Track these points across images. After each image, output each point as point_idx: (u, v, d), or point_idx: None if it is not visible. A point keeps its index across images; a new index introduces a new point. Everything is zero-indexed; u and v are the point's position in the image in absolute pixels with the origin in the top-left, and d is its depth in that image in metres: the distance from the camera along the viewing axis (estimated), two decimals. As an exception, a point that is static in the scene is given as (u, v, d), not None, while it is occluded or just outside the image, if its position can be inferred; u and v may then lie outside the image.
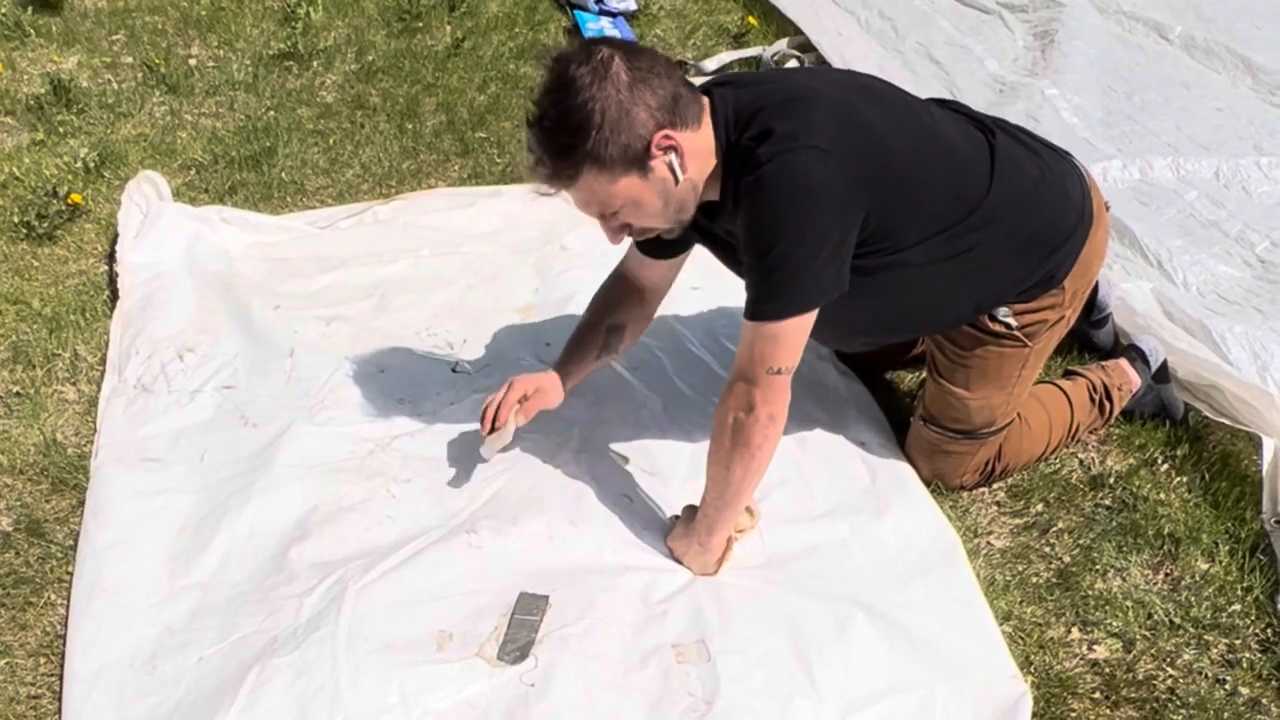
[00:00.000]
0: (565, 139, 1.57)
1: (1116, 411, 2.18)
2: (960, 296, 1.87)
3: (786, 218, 1.60)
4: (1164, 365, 2.23)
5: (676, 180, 1.63)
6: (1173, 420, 2.23)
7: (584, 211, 1.71)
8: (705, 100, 1.68)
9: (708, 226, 1.80)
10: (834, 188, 1.61)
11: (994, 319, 1.89)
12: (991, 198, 1.77)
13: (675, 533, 1.87)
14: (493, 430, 1.92)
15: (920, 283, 1.80)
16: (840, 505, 2.01)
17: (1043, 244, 1.84)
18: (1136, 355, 2.21)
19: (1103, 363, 2.23)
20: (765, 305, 1.65)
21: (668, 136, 1.59)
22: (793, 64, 3.48)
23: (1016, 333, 1.89)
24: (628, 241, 1.89)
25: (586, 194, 1.65)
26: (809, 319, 1.66)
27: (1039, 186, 1.84)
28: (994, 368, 1.93)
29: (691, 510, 1.85)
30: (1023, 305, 1.88)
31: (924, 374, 2.10)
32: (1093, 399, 2.13)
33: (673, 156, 1.61)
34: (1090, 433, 2.19)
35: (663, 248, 1.92)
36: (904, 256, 1.75)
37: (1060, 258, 1.86)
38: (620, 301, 2.04)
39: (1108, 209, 1.99)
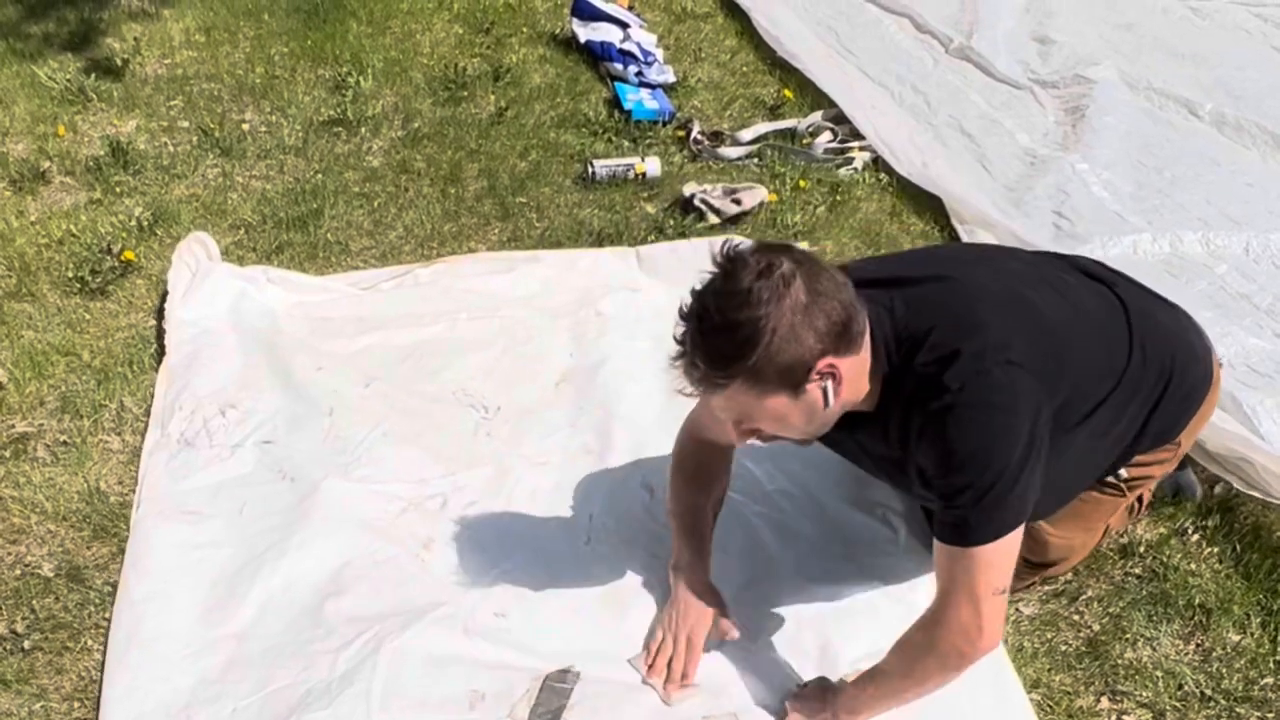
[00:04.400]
0: (728, 349, 1.48)
1: (1143, 511, 2.15)
2: (1101, 464, 1.82)
3: (992, 441, 1.53)
4: None
5: (827, 404, 1.55)
6: (1191, 500, 2.20)
7: (718, 414, 1.64)
8: (865, 319, 1.59)
9: (839, 435, 1.70)
10: (1030, 399, 1.55)
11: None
12: (1132, 366, 1.71)
13: (807, 704, 1.78)
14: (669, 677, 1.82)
15: (1072, 459, 1.74)
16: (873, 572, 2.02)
17: (1172, 398, 1.77)
18: None
19: None
20: (981, 531, 1.54)
21: (831, 365, 1.51)
22: (826, 136, 3.55)
23: (1122, 484, 1.86)
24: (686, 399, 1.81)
25: (729, 403, 1.56)
26: (1021, 529, 1.58)
27: (1171, 341, 1.79)
28: (1088, 511, 1.89)
29: (823, 685, 1.79)
30: (1140, 457, 1.83)
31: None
32: None
33: (829, 383, 1.53)
34: (1117, 534, 2.16)
35: None
36: (1067, 440, 1.67)
37: (1183, 409, 1.81)
38: (715, 474, 1.98)
39: (1220, 365, 1.93)
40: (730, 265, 1.49)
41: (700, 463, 1.97)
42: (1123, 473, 1.84)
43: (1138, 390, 1.72)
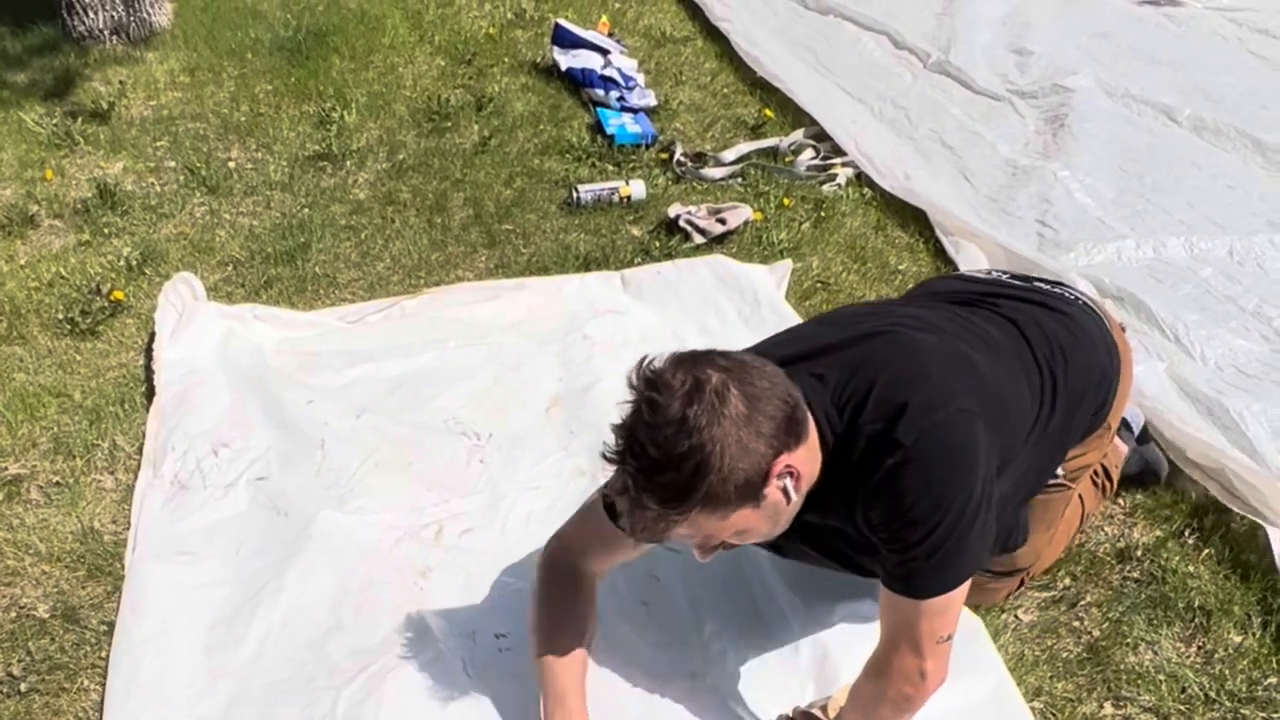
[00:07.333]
0: (679, 485, 1.37)
1: (1113, 490, 2.16)
2: (1038, 479, 1.82)
3: (949, 492, 1.48)
4: (1144, 429, 2.25)
5: (790, 501, 1.48)
6: (1157, 477, 2.22)
7: (681, 540, 1.52)
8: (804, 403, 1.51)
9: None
10: (984, 448, 1.50)
11: None
12: (1045, 384, 1.70)
13: None
14: None
15: (1011, 486, 1.71)
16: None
17: (1087, 395, 1.79)
18: (1123, 424, 2.20)
19: None
20: (932, 581, 1.50)
21: (787, 465, 1.44)
22: (808, 153, 3.57)
23: (1063, 480, 1.86)
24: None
25: (691, 530, 1.45)
26: (970, 579, 1.54)
27: (1063, 342, 1.77)
28: (1039, 514, 1.88)
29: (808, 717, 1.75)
30: (1073, 452, 1.84)
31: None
32: (1095, 483, 2.11)
33: (788, 481, 1.45)
34: (1098, 520, 2.17)
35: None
36: (1009, 471, 1.65)
37: (1103, 398, 1.82)
38: (588, 612, 1.79)
39: (1123, 330, 1.95)
40: (654, 392, 1.37)
41: (574, 598, 1.78)
42: (1060, 471, 1.84)
43: (1056, 404, 1.71)
